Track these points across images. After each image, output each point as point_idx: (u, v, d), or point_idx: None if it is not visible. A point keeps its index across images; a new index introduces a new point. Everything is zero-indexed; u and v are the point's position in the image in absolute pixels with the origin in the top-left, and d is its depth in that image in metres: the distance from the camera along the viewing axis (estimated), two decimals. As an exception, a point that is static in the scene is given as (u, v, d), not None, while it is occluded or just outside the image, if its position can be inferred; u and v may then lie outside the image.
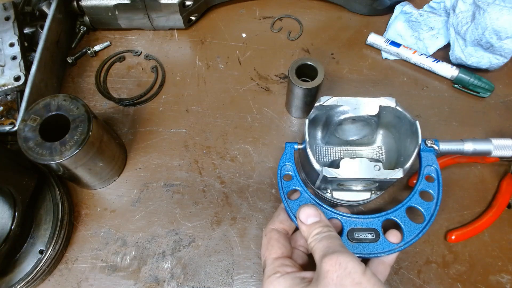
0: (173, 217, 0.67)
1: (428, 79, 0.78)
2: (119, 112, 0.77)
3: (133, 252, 0.65)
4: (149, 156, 0.72)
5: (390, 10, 0.84)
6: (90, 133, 0.57)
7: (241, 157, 0.72)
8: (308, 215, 0.49)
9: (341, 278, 0.40)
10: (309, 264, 0.54)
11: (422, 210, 0.54)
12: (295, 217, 0.52)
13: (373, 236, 0.53)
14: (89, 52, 0.82)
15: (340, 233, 0.54)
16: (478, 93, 0.75)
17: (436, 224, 0.65)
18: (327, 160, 0.66)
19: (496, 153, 0.59)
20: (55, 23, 0.75)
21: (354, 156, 0.66)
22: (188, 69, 0.81)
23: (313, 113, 0.59)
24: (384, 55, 0.81)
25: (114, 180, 0.70)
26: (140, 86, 0.79)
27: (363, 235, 0.53)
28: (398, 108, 0.58)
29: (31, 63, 0.69)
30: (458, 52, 0.75)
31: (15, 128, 0.64)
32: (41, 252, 0.61)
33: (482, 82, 0.74)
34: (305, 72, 0.67)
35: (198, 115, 0.76)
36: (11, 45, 0.72)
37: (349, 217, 0.54)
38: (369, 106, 0.58)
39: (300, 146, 0.59)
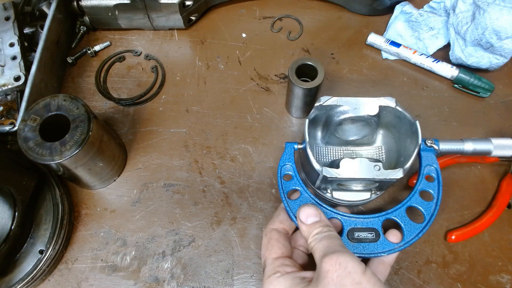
0: (173, 217, 0.67)
1: (428, 79, 0.78)
2: (119, 112, 0.77)
3: (133, 252, 0.65)
4: (149, 156, 0.72)
5: (390, 10, 0.84)
6: (90, 133, 0.57)
7: (241, 157, 0.72)
8: (308, 215, 0.49)
9: (341, 278, 0.40)
10: (309, 264, 0.54)
11: (422, 210, 0.54)
12: (295, 217, 0.52)
13: (373, 236, 0.53)
14: (89, 52, 0.82)
15: (340, 233, 0.54)
16: (478, 93, 0.75)
17: (436, 224, 0.65)
18: (327, 160, 0.66)
19: (496, 153, 0.59)
20: (55, 23, 0.75)
21: (354, 156, 0.66)
22: (188, 69, 0.81)
23: (313, 113, 0.59)
24: (384, 55, 0.81)
25: (114, 180, 0.70)
26: (140, 86, 0.79)
27: (363, 235, 0.53)
28: (398, 108, 0.58)
29: (31, 63, 0.69)
30: (458, 52, 0.75)
31: (15, 128, 0.64)
32: (41, 252, 0.61)
33: (482, 82, 0.74)
34: (305, 72, 0.67)
35: (198, 115, 0.76)
36: (11, 45, 0.72)
37: (349, 217, 0.54)
38: (369, 106, 0.58)
39: (300, 146, 0.59)
